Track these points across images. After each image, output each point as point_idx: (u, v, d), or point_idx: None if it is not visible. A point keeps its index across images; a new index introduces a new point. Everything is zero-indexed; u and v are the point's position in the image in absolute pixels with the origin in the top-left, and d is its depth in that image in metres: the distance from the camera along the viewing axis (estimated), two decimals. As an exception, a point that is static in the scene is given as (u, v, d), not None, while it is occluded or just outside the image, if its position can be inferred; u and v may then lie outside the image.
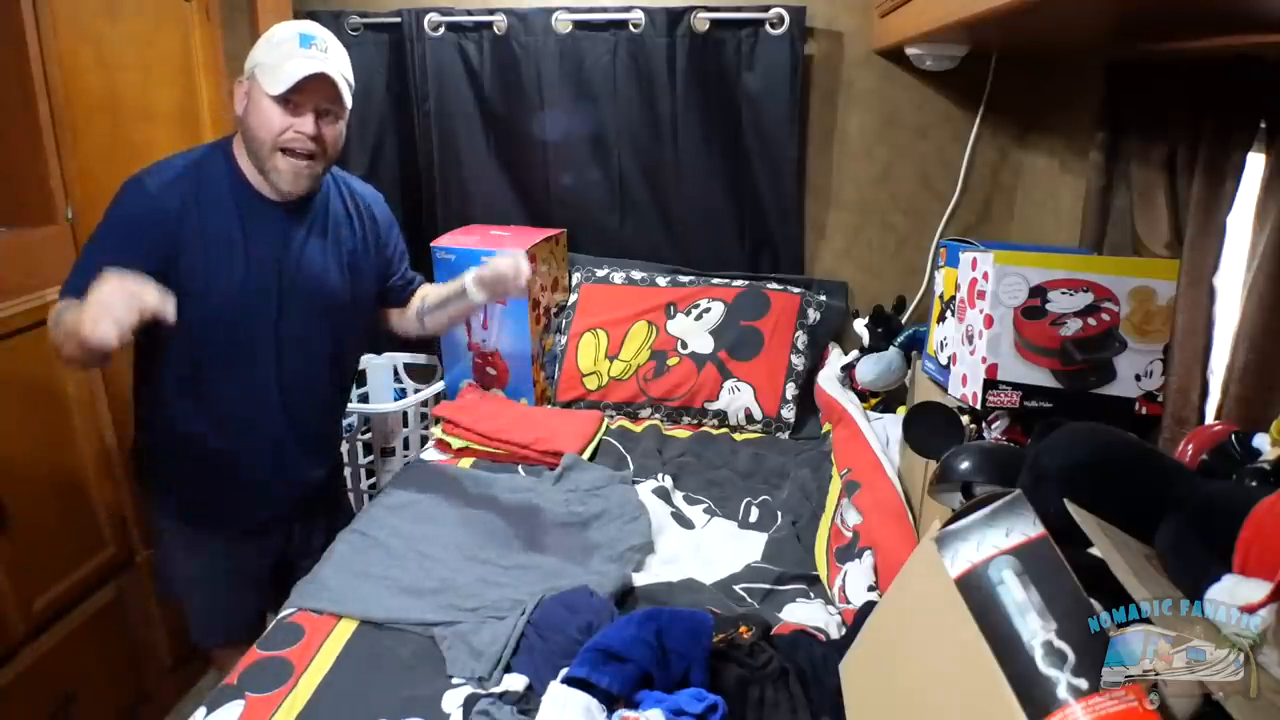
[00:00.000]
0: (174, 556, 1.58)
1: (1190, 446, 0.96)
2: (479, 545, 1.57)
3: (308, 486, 1.64)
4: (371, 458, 2.37)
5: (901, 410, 2.01)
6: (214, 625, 1.63)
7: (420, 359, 2.57)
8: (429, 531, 1.61)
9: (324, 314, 1.53)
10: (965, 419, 1.33)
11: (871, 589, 1.37)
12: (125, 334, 1.09)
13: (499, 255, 1.48)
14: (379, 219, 1.64)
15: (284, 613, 1.39)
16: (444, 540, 1.58)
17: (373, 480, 2.37)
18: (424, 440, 2.31)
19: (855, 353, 2.17)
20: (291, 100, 1.35)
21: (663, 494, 1.78)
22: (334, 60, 1.38)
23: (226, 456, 1.49)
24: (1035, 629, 0.67)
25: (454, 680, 1.23)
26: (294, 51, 1.35)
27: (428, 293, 1.68)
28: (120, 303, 1.09)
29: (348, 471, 2.22)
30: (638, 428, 2.15)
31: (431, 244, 2.22)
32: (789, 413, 2.14)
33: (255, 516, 1.56)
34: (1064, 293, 1.25)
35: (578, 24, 2.24)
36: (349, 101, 1.42)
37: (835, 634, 1.29)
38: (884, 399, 2.19)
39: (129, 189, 1.37)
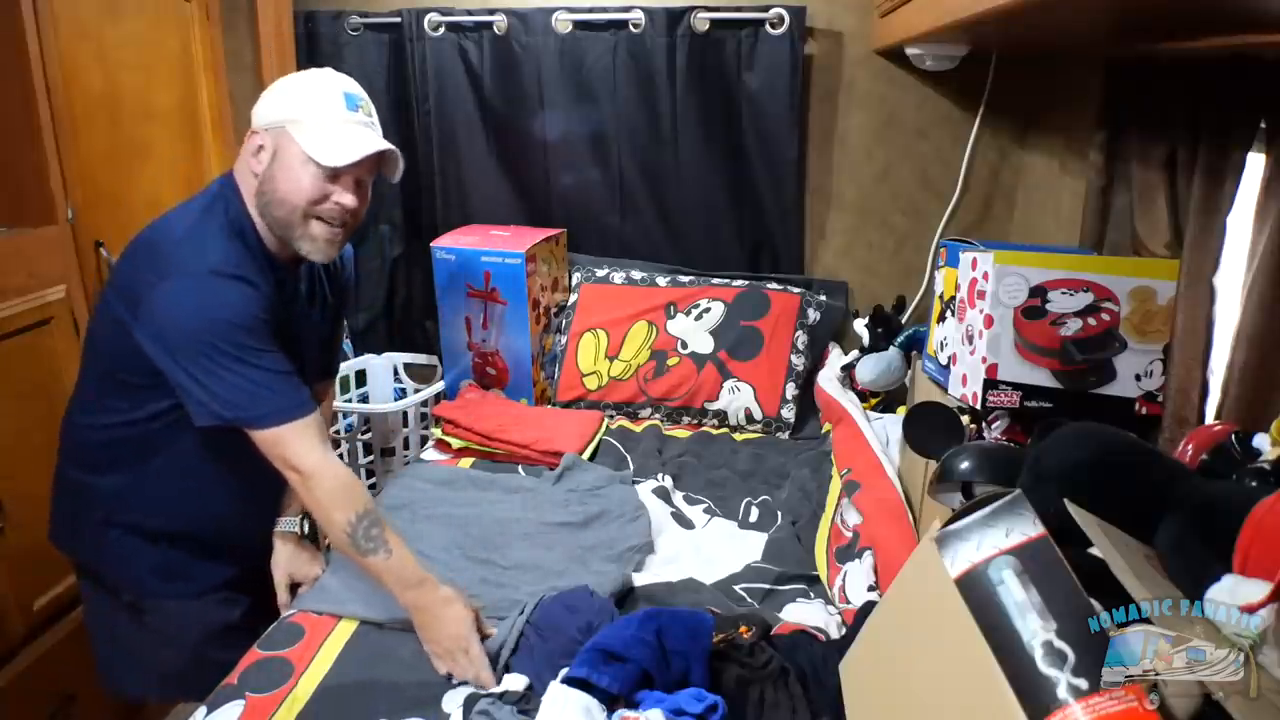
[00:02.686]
0: (153, 639, 1.40)
1: (1190, 446, 0.96)
2: (479, 545, 1.57)
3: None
4: (371, 458, 2.37)
5: (901, 410, 2.01)
6: (210, 684, 1.28)
7: (420, 359, 2.57)
8: (428, 531, 1.61)
9: (311, 375, 1.44)
10: (965, 419, 1.33)
11: (871, 589, 1.37)
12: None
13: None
14: (348, 279, 1.56)
15: (284, 613, 1.39)
16: (443, 540, 1.58)
17: (372, 480, 2.37)
18: (424, 440, 2.31)
19: (855, 353, 2.17)
20: (338, 171, 1.24)
21: (663, 494, 1.78)
22: (377, 124, 1.30)
23: (208, 525, 1.39)
24: (1035, 629, 0.67)
25: (454, 680, 1.23)
26: (341, 115, 1.25)
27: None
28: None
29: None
30: (638, 428, 2.15)
31: (432, 244, 2.22)
32: (789, 413, 2.14)
33: (230, 572, 1.44)
34: (1064, 293, 1.25)
35: (578, 24, 2.24)
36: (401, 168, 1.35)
37: (835, 634, 1.29)
38: (884, 399, 2.19)
39: (214, 286, 1.17)
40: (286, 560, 1.47)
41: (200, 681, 1.30)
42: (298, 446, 1.21)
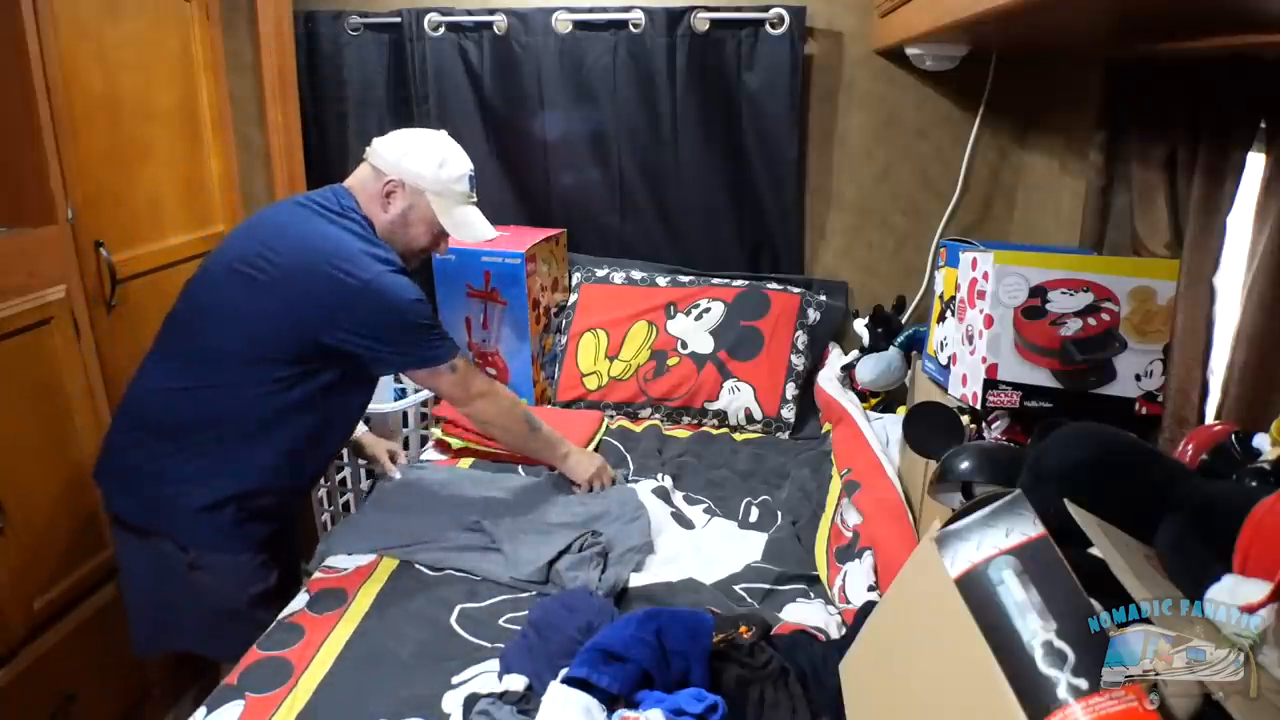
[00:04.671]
0: (199, 593, 1.51)
1: (1190, 446, 0.96)
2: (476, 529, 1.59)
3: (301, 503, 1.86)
4: (371, 458, 2.36)
5: (901, 410, 2.01)
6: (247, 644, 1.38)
7: (420, 359, 2.57)
8: (428, 524, 1.61)
9: None
10: (965, 419, 1.33)
11: (871, 589, 1.37)
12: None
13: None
14: None
15: (284, 612, 1.39)
16: (444, 527, 1.59)
17: (372, 480, 2.37)
18: (424, 440, 2.31)
19: (855, 353, 2.17)
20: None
21: (663, 494, 1.78)
22: None
23: (273, 485, 1.55)
24: (1035, 629, 0.67)
25: (453, 680, 1.23)
26: (467, 195, 1.61)
27: None
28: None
29: (348, 471, 2.22)
30: (638, 428, 2.15)
31: (431, 244, 2.22)
32: (789, 413, 2.14)
33: (270, 530, 1.57)
34: (1064, 293, 1.25)
35: (578, 24, 2.24)
36: None
37: (835, 634, 1.29)
38: (884, 399, 2.19)
39: (399, 281, 1.48)
40: (375, 440, 1.95)
41: (234, 638, 1.42)
42: (475, 375, 1.63)
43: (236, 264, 1.45)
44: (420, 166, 1.55)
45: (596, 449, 2.01)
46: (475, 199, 1.65)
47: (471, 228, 1.63)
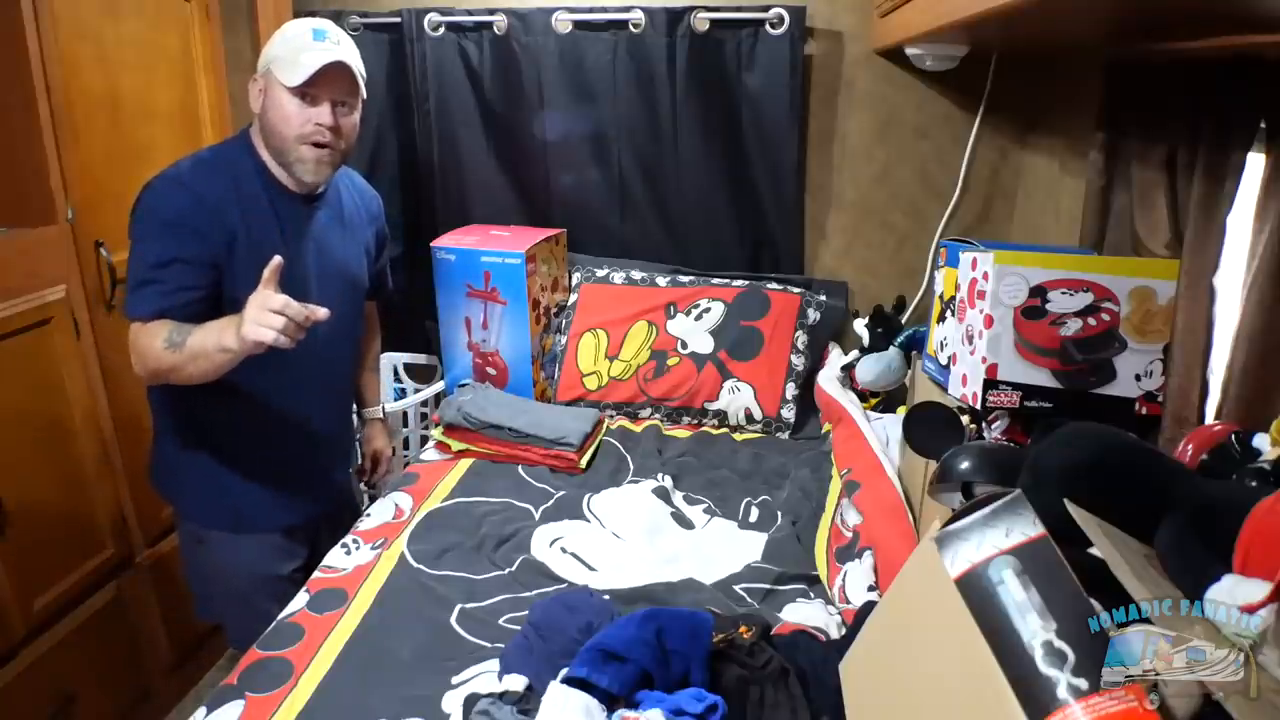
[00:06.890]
0: (210, 571, 1.57)
1: (1190, 446, 0.96)
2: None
3: (333, 489, 1.70)
4: (371, 458, 2.36)
5: (901, 410, 2.01)
6: (255, 634, 1.42)
7: (420, 359, 2.57)
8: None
9: (349, 301, 1.61)
10: (965, 419, 1.33)
11: (871, 589, 1.37)
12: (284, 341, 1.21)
13: None
14: (378, 212, 1.74)
15: (284, 612, 1.39)
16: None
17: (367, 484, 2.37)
18: (424, 440, 2.31)
19: (855, 353, 2.17)
20: (309, 93, 1.38)
21: (663, 494, 1.78)
22: (347, 52, 1.42)
23: (260, 454, 1.52)
24: (1035, 629, 0.67)
25: (453, 680, 1.23)
26: (308, 45, 1.39)
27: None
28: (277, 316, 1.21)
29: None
30: (638, 428, 2.15)
31: (432, 244, 2.22)
32: (789, 413, 2.14)
33: (287, 519, 1.58)
34: (1064, 293, 1.25)
35: (578, 24, 2.24)
36: (364, 92, 1.47)
37: (835, 634, 1.29)
38: (884, 399, 2.19)
39: (168, 187, 1.36)
40: (372, 439, 1.91)
41: (242, 625, 1.47)
42: (137, 338, 1.32)
43: None
44: (266, 48, 1.42)
45: (597, 450, 2.01)
46: (331, 47, 1.39)
47: (300, 68, 1.36)
